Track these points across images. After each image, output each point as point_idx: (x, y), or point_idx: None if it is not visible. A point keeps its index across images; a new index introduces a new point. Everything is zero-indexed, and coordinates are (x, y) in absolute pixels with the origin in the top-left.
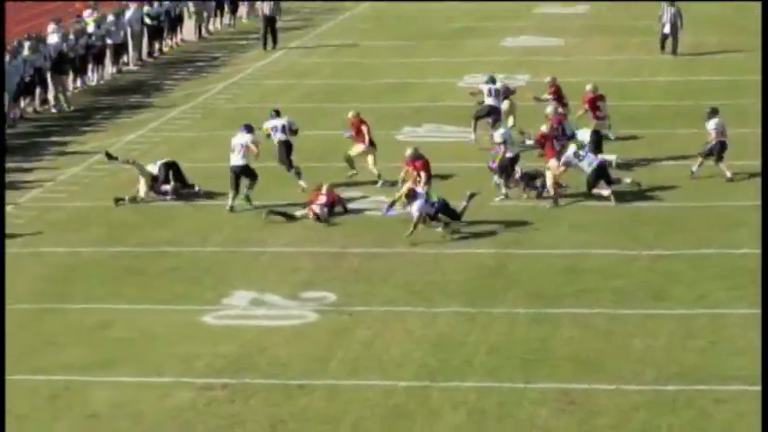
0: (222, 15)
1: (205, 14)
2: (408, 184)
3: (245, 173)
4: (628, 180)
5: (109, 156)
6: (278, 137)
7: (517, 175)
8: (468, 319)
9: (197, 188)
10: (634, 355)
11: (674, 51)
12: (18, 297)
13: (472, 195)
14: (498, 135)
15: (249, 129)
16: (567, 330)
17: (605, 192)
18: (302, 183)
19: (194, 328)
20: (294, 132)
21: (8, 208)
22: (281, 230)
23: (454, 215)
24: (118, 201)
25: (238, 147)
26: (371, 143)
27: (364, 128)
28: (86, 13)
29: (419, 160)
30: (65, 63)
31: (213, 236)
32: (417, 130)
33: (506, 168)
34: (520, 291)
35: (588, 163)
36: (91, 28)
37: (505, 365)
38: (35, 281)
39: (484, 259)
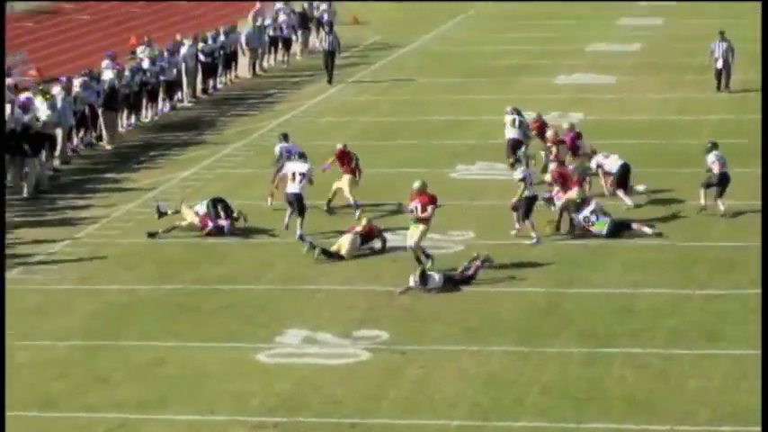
0: (276, 52)
1: (259, 51)
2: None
3: (299, 202)
4: (649, 231)
5: (151, 234)
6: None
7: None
8: (521, 358)
9: (243, 219)
10: (688, 395)
11: (727, 86)
12: (71, 333)
13: (485, 260)
14: (519, 172)
15: (304, 157)
16: (620, 370)
17: (647, 230)
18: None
19: (248, 365)
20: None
21: (63, 244)
22: (333, 268)
23: (464, 281)
24: (152, 234)
25: (298, 176)
26: (357, 172)
27: (350, 159)
28: (140, 49)
29: (424, 195)
30: (117, 100)
31: (267, 273)
32: (470, 168)
33: (523, 206)
34: (573, 330)
35: (602, 225)
36: (145, 64)
37: (558, 405)
38: (89, 317)
39: (536, 298)
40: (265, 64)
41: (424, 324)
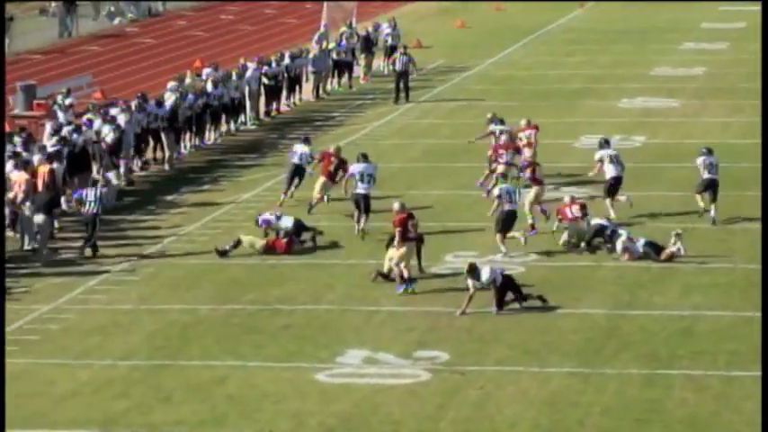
0: (340, 76)
1: (323, 75)
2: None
3: (366, 201)
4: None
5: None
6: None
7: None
8: (582, 379)
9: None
10: (748, 417)
11: None
12: (133, 352)
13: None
14: (496, 190)
15: (367, 157)
16: (681, 392)
17: (673, 248)
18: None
19: (307, 385)
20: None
21: (125, 264)
22: (393, 288)
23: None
24: (222, 253)
25: (366, 177)
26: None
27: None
28: (205, 71)
29: (401, 215)
30: (179, 121)
31: (327, 294)
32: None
33: (502, 220)
34: (633, 352)
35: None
36: (209, 87)
37: (619, 426)
38: (151, 337)
39: (597, 319)
40: (329, 87)
41: (485, 345)
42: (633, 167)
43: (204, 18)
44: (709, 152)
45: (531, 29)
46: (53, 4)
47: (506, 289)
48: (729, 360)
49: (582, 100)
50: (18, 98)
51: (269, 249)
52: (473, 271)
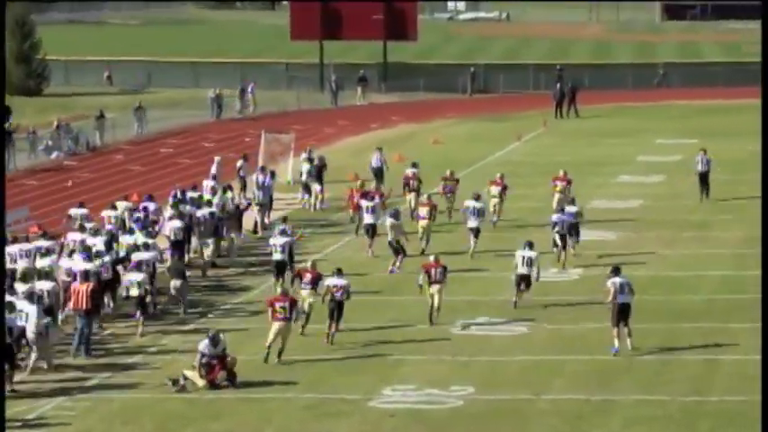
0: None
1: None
2: None
3: (340, 308)
4: None
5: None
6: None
7: None
8: None
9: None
10: None
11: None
12: None
13: None
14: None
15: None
16: None
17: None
18: None
19: None
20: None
21: (63, 397)
22: (338, 423)
23: None
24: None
25: (341, 287)
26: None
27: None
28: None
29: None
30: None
31: (265, 427)
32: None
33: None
34: None
35: None
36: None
37: None
38: None
39: None
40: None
41: None
42: (571, 299)
43: (143, 152)
44: (617, 272)
45: (470, 161)
46: None
47: None
48: None
49: (521, 234)
50: None
51: (212, 385)
52: None
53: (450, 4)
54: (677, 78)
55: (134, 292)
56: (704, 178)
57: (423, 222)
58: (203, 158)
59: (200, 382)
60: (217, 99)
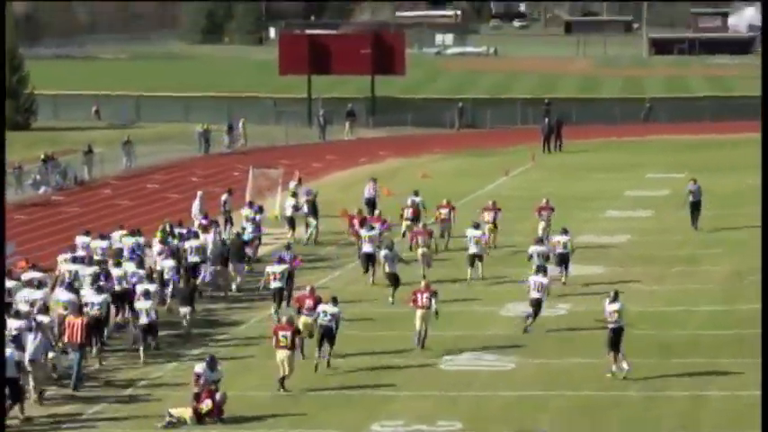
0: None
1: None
2: None
3: (331, 333)
4: None
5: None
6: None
7: None
8: None
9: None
10: None
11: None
12: None
13: None
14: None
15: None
16: None
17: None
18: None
19: None
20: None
21: None
22: None
23: None
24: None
25: (330, 315)
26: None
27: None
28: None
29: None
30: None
31: None
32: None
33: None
34: None
35: None
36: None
37: None
38: None
39: None
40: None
41: None
42: (556, 335)
43: (131, 186)
44: (615, 297)
45: (459, 196)
46: None
47: None
48: None
49: (508, 268)
50: None
51: (197, 415)
52: None
53: (438, 38)
54: (664, 113)
55: (143, 319)
56: (696, 207)
57: (421, 250)
58: (190, 193)
59: (188, 413)
60: (204, 134)
